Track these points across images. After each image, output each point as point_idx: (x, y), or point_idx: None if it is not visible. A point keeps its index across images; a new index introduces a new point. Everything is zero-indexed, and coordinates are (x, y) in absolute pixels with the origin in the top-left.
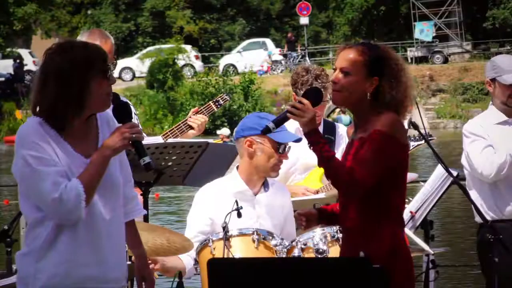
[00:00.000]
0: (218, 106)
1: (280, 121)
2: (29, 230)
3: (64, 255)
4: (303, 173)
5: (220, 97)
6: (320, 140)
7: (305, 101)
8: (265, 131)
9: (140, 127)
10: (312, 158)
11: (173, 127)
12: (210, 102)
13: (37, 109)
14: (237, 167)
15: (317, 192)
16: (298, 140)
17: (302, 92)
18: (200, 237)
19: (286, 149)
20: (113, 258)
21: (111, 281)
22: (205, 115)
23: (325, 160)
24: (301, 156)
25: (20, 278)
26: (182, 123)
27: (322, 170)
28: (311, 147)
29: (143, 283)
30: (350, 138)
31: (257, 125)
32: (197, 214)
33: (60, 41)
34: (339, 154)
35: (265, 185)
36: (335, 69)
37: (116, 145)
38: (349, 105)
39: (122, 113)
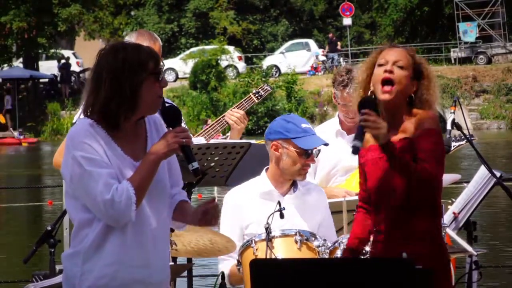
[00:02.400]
0: (259, 97)
1: (361, 135)
2: (76, 231)
3: (112, 257)
4: (344, 175)
5: (261, 88)
6: (395, 148)
7: (372, 112)
8: (355, 151)
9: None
10: (353, 160)
11: (208, 127)
12: (250, 94)
13: (89, 110)
14: (266, 169)
15: (357, 194)
16: (325, 145)
17: (339, 91)
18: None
19: (314, 152)
20: (158, 261)
21: (155, 284)
22: (246, 108)
23: (406, 166)
24: (342, 158)
25: (66, 279)
26: (220, 120)
27: None
28: (390, 157)
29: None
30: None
31: (282, 129)
32: (225, 217)
33: (113, 42)
34: None
35: (293, 186)
36: (383, 64)
37: (165, 149)
38: (392, 105)
39: (172, 117)
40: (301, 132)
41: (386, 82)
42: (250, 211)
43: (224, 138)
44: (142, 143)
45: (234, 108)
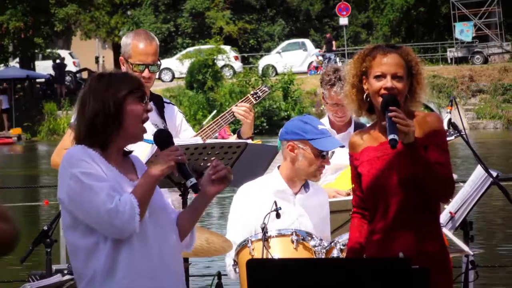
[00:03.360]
0: (257, 98)
1: (396, 129)
2: (85, 261)
3: (125, 270)
4: (334, 174)
5: (258, 89)
6: (420, 152)
7: (399, 110)
8: (394, 145)
9: (189, 126)
10: (343, 158)
11: (211, 123)
12: (248, 95)
13: (79, 138)
14: (278, 167)
15: (348, 194)
16: (341, 147)
17: (326, 90)
18: (244, 237)
19: (329, 154)
20: (166, 274)
21: None
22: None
23: (428, 166)
24: (331, 157)
25: None
26: (217, 120)
27: None
28: (415, 156)
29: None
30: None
31: (299, 130)
32: (240, 213)
33: (102, 72)
34: None
35: (305, 185)
36: (379, 76)
37: (163, 166)
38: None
39: (163, 138)
40: (319, 134)
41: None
42: (263, 208)
43: (235, 135)
44: (132, 172)
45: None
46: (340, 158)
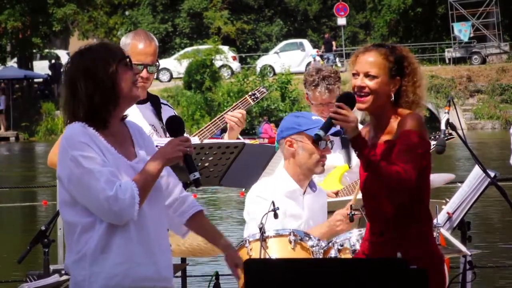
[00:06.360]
0: (255, 99)
1: (327, 127)
2: (78, 236)
3: (121, 256)
4: (322, 175)
5: (256, 90)
6: (366, 144)
7: (345, 106)
8: (317, 139)
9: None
10: (331, 159)
11: (209, 123)
12: (246, 96)
13: (72, 116)
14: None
15: (336, 194)
16: (337, 133)
17: (310, 91)
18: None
19: (328, 144)
20: (163, 258)
21: (164, 280)
22: (242, 109)
23: (373, 164)
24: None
25: (74, 284)
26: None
27: (341, 171)
28: (357, 152)
29: (238, 269)
30: (368, 139)
31: (294, 124)
32: (261, 209)
33: (81, 49)
34: (354, 166)
35: (311, 185)
36: (355, 74)
37: (170, 155)
38: (374, 109)
39: (177, 126)
40: (313, 123)
41: (359, 94)
42: (281, 207)
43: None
44: (130, 145)
45: (231, 110)
46: (328, 159)
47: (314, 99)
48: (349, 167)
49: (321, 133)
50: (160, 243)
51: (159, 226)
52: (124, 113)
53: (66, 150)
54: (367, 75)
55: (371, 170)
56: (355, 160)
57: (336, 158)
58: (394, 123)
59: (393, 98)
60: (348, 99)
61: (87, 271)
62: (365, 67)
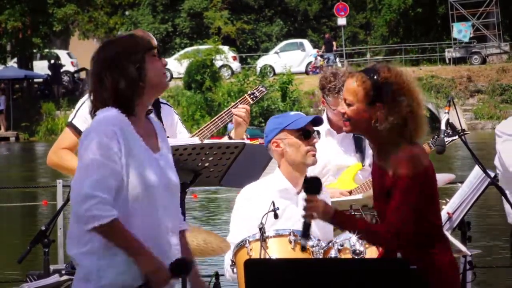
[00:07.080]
0: (254, 98)
1: (306, 229)
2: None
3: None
4: (336, 174)
5: (256, 89)
6: (345, 219)
7: (310, 198)
8: (303, 248)
9: (184, 129)
10: (344, 159)
11: (209, 123)
12: (245, 95)
13: (99, 104)
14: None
15: (350, 193)
16: (316, 121)
17: (329, 98)
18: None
19: (314, 134)
20: (173, 255)
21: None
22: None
23: (363, 231)
24: (332, 157)
25: (83, 275)
26: (215, 121)
27: (355, 170)
28: (343, 229)
29: None
30: (373, 159)
31: (275, 125)
32: (243, 215)
33: (105, 39)
34: (367, 164)
35: None
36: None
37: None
38: (359, 133)
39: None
40: (292, 118)
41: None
42: (265, 208)
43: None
44: (154, 138)
45: (231, 108)
46: (341, 158)
47: (335, 105)
48: (362, 166)
49: (303, 241)
50: (171, 241)
51: (171, 224)
52: (149, 108)
53: (95, 129)
54: (345, 101)
55: (363, 235)
56: (369, 159)
57: (349, 159)
58: (392, 154)
59: (374, 125)
60: (311, 185)
61: (95, 264)
62: (345, 93)
